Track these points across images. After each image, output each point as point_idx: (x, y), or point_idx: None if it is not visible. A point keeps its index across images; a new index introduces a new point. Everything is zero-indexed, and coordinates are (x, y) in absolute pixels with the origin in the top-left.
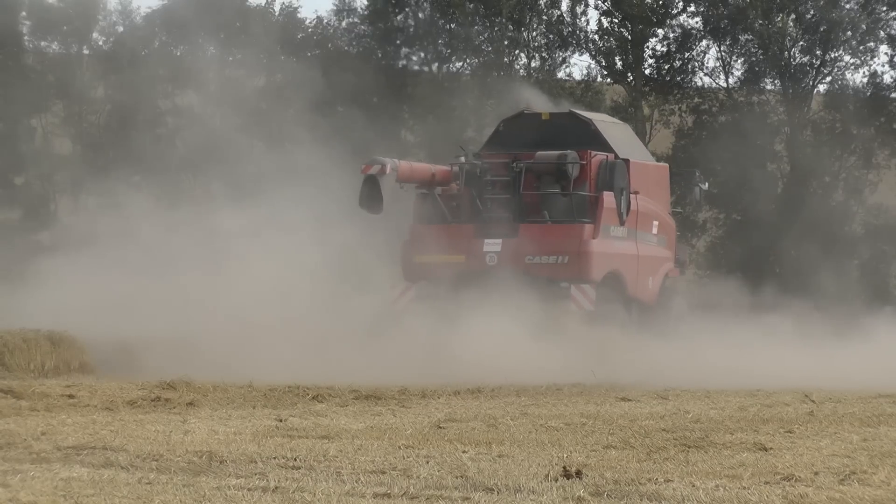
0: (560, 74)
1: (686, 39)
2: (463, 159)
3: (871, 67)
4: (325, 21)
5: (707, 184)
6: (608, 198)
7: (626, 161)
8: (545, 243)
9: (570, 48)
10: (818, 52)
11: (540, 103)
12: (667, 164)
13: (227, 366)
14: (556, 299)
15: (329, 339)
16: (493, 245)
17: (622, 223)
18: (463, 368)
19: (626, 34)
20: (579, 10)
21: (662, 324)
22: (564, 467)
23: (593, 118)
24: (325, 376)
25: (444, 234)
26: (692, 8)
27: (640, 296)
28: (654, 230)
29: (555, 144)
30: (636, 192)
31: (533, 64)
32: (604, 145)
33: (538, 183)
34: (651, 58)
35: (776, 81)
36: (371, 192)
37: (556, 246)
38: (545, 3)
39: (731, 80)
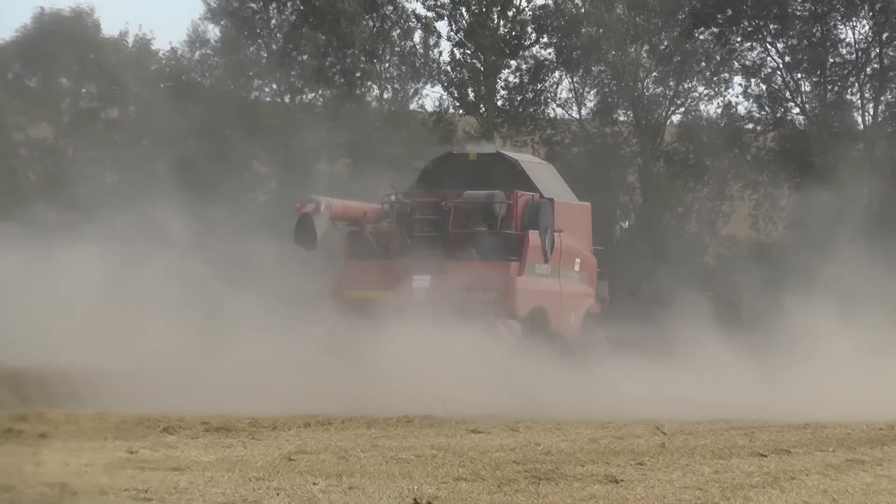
0: (412, 106)
1: (539, 71)
2: (393, 198)
3: (725, 98)
4: (179, 52)
5: (627, 222)
6: (533, 236)
7: (551, 200)
8: (473, 280)
9: (423, 80)
10: (671, 83)
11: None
12: (589, 203)
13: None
14: (482, 334)
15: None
16: (422, 281)
17: (546, 261)
18: (388, 400)
19: (479, 65)
20: (432, 41)
21: (582, 357)
22: (415, 499)
23: (519, 159)
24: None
25: (374, 269)
26: (545, 39)
27: (563, 331)
28: (577, 267)
29: (481, 184)
30: (560, 231)
31: (385, 95)
32: (529, 185)
33: (466, 221)
34: (504, 89)
35: (629, 112)
36: (306, 229)
37: (484, 282)
38: (398, 35)
39: (583, 112)
